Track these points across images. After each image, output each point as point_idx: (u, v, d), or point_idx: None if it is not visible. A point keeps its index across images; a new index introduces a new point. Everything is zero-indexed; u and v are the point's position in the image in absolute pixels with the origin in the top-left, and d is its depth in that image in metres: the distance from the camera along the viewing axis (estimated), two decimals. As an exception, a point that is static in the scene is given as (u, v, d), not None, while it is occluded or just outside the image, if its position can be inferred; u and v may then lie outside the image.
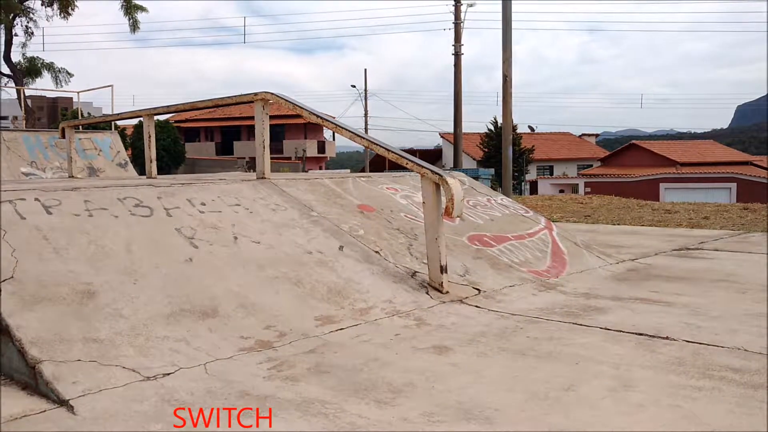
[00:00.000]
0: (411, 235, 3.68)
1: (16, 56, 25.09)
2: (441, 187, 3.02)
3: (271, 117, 4.27)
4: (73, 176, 6.07)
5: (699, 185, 30.21)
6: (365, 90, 41.96)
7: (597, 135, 60.85)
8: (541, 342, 2.42)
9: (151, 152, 4.99)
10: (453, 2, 25.92)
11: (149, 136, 4.98)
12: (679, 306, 3.01)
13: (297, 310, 2.63)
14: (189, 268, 2.68)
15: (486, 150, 41.24)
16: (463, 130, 26.71)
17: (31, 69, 25.66)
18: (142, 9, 24.79)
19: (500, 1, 11.99)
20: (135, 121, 26.70)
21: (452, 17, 26.02)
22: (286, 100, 3.94)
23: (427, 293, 3.04)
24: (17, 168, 10.75)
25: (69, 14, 24.87)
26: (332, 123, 3.74)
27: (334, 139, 47.32)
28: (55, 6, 24.58)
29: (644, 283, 3.58)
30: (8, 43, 24.29)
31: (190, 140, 42.00)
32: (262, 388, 1.95)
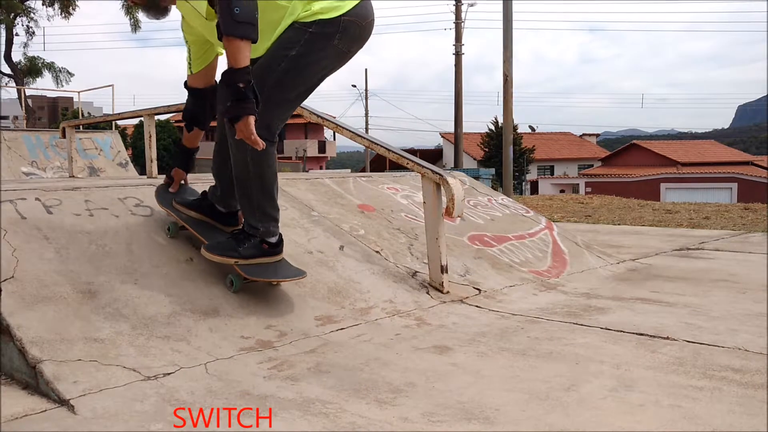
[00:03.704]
0: (411, 234, 3.68)
1: (16, 56, 25.13)
2: (442, 187, 3.02)
3: (272, 117, 4.26)
4: (73, 176, 6.07)
5: (700, 185, 30.23)
6: (366, 90, 41.96)
7: (598, 135, 60.89)
8: (541, 342, 2.42)
9: (151, 152, 4.99)
10: (453, 2, 25.91)
11: (150, 136, 4.98)
12: (679, 306, 3.01)
13: (297, 309, 2.63)
14: (189, 267, 2.68)
15: (486, 150, 41.23)
16: (464, 130, 26.72)
17: (31, 69, 25.68)
18: (143, 9, 24.72)
19: (501, 1, 11.99)
20: (135, 121, 26.74)
21: (453, 17, 26.02)
22: (287, 100, 3.93)
23: (427, 293, 3.04)
24: (18, 168, 10.75)
25: (70, 14, 24.91)
26: (333, 123, 3.74)
27: (334, 139, 47.34)
28: (56, 6, 24.60)
29: (645, 283, 3.58)
30: (9, 43, 24.31)
31: (191, 140, 41.91)
32: (262, 387, 1.95)
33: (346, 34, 2.43)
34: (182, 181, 2.98)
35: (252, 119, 2.17)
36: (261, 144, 2.21)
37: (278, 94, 2.41)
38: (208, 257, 2.54)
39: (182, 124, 3.02)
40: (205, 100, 2.76)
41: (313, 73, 2.46)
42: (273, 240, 2.57)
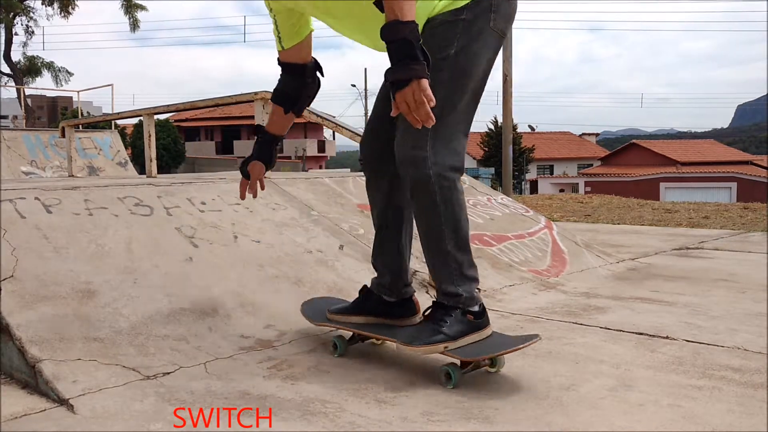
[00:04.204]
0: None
1: (16, 55, 25.14)
2: (441, 187, 3.01)
3: (272, 116, 4.25)
4: (73, 175, 6.07)
5: (699, 185, 30.25)
6: (365, 89, 41.96)
7: (597, 134, 60.95)
8: (541, 341, 2.41)
9: (151, 151, 4.99)
10: (453, 1, 25.87)
11: (149, 135, 4.98)
12: (679, 305, 3.01)
13: (297, 309, 2.62)
14: (189, 267, 2.68)
15: (486, 149, 41.22)
16: (464, 130, 26.62)
17: (31, 68, 25.68)
18: (142, 8, 24.83)
19: (500, 1, 11.97)
20: (135, 121, 26.72)
21: (452, 16, 25.95)
22: (287, 100, 3.92)
23: (427, 292, 3.04)
24: (17, 167, 10.76)
25: (69, 13, 24.90)
26: (332, 122, 3.74)
27: (334, 138, 47.32)
28: (56, 5, 24.59)
29: (644, 283, 3.58)
30: (8, 42, 24.30)
31: (190, 139, 42.04)
32: (262, 387, 1.95)
33: (499, 13, 2.07)
34: (258, 181, 2.37)
35: (426, 83, 1.72)
36: (433, 118, 1.74)
37: (451, 107, 2.00)
38: (414, 351, 2.00)
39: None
40: (304, 77, 2.33)
41: (477, 66, 2.05)
42: (476, 309, 2.09)
